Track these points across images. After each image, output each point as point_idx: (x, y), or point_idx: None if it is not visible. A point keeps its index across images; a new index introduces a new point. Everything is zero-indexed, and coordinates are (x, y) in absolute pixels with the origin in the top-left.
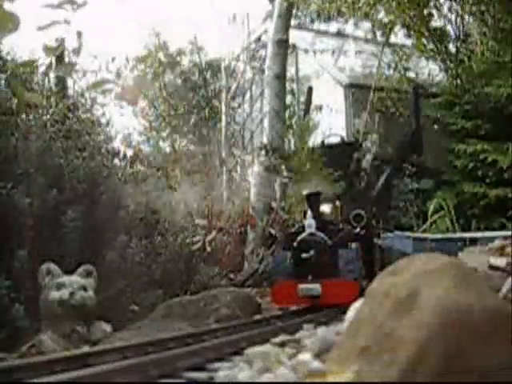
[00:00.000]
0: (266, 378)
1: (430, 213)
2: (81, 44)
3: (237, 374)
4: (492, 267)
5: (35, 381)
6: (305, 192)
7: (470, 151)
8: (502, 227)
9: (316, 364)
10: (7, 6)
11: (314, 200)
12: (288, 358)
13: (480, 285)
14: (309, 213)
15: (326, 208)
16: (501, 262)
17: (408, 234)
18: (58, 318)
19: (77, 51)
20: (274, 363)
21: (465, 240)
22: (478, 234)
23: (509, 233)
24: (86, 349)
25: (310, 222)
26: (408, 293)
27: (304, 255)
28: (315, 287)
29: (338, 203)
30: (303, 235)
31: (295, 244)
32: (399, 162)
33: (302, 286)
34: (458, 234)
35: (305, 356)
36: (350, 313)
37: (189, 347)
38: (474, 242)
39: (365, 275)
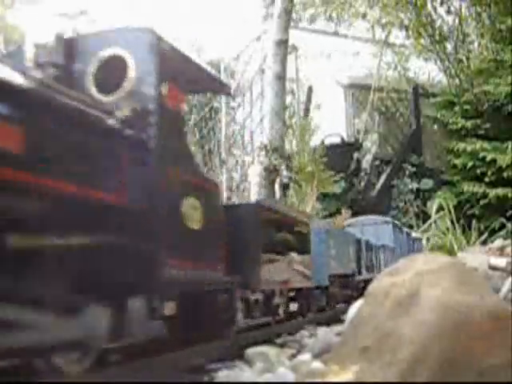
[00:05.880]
0: (266, 378)
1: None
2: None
3: (237, 374)
4: (492, 267)
5: (35, 381)
6: None
7: (470, 150)
8: (502, 227)
9: (316, 364)
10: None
11: None
12: (288, 358)
13: (480, 285)
14: None
15: None
16: (501, 262)
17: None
18: None
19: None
20: (274, 363)
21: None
22: None
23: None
24: None
25: None
26: (408, 293)
27: None
28: None
29: None
30: None
31: None
32: (399, 162)
33: None
34: None
35: (305, 356)
36: (351, 313)
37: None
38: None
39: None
